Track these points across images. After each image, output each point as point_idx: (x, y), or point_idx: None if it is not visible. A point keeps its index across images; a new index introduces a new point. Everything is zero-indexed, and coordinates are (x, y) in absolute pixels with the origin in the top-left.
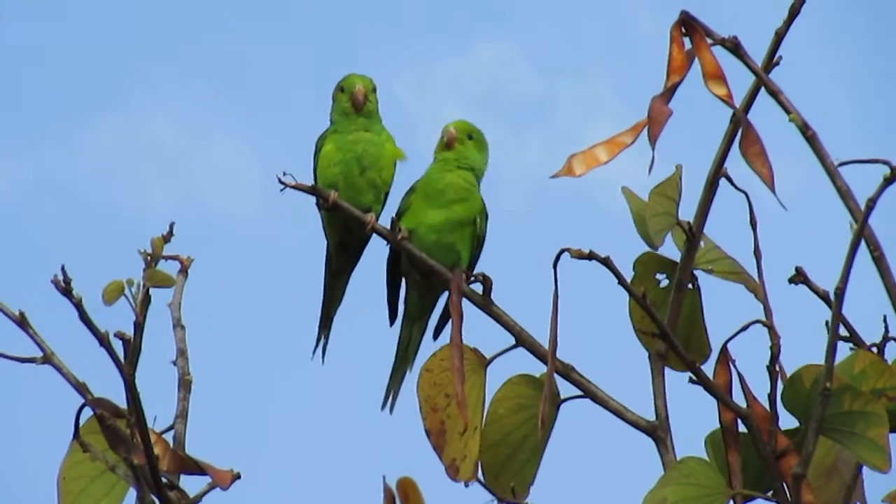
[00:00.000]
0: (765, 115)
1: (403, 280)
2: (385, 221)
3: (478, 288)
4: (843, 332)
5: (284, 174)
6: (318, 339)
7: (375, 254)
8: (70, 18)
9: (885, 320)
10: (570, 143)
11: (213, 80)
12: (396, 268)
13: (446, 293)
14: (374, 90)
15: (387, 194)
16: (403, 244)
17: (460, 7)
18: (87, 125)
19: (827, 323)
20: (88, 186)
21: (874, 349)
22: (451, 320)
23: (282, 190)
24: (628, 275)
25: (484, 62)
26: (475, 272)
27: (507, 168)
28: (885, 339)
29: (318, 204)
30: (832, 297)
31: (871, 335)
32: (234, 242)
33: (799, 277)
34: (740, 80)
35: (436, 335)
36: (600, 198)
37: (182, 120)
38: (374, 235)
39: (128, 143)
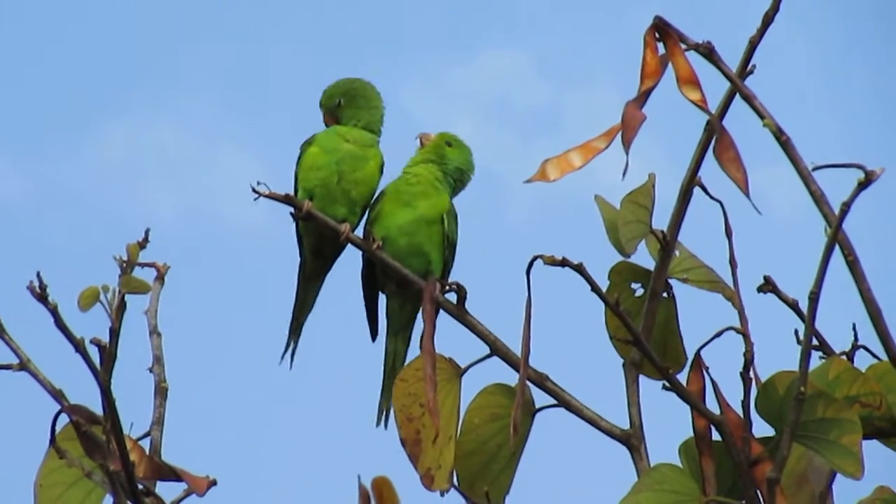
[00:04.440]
0: (742, 121)
1: (381, 294)
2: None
3: (452, 297)
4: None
5: (259, 183)
6: (287, 345)
7: (353, 263)
8: (77, 26)
9: (854, 328)
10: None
11: (219, 89)
12: (372, 282)
13: None
14: (339, 102)
15: (364, 208)
16: (377, 253)
17: (467, 15)
18: (92, 133)
19: (797, 331)
20: (93, 195)
21: (843, 357)
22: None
23: (255, 199)
24: (606, 284)
25: (491, 71)
26: (450, 281)
27: (513, 177)
28: (855, 347)
29: (292, 214)
30: (806, 302)
31: (840, 342)
32: (239, 252)
33: (768, 286)
34: (716, 85)
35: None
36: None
37: (188, 129)
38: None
39: (133, 151)
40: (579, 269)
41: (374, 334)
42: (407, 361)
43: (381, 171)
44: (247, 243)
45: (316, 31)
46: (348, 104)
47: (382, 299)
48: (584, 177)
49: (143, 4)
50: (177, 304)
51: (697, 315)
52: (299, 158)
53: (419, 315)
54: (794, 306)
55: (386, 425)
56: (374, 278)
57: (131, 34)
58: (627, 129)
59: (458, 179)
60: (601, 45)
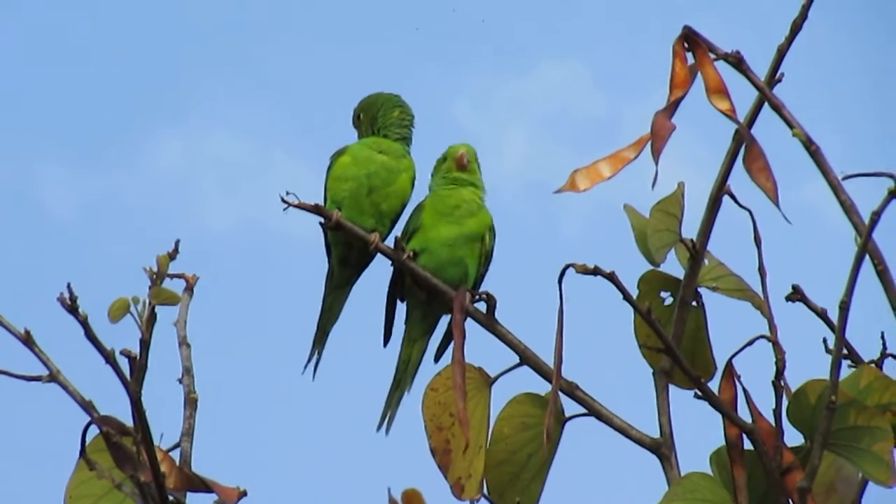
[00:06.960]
0: (770, 130)
1: (402, 302)
2: (392, 242)
3: (482, 307)
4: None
5: (287, 193)
6: (312, 355)
7: (380, 274)
8: (132, 35)
9: (882, 336)
10: (633, 164)
11: (275, 99)
12: (397, 290)
13: (449, 315)
14: (358, 116)
15: (394, 220)
16: (407, 263)
17: (524, 27)
18: (147, 144)
19: (825, 340)
20: (148, 206)
21: (872, 365)
22: (453, 338)
23: (285, 209)
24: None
25: (547, 82)
26: (480, 290)
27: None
28: (884, 355)
29: (321, 224)
30: (836, 310)
31: (868, 351)
32: (293, 263)
33: (796, 295)
34: (745, 94)
35: (437, 358)
36: None
37: (243, 138)
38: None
39: (188, 162)
40: (611, 277)
41: (386, 340)
42: (424, 371)
43: (414, 183)
44: (301, 254)
45: (372, 42)
46: (365, 118)
47: (400, 307)
48: (638, 188)
49: (199, 14)
50: (216, 314)
51: (727, 324)
52: (329, 168)
53: (437, 325)
54: (822, 315)
55: (388, 431)
56: (399, 287)
57: (187, 45)
58: (657, 140)
59: (484, 193)
60: (658, 57)
